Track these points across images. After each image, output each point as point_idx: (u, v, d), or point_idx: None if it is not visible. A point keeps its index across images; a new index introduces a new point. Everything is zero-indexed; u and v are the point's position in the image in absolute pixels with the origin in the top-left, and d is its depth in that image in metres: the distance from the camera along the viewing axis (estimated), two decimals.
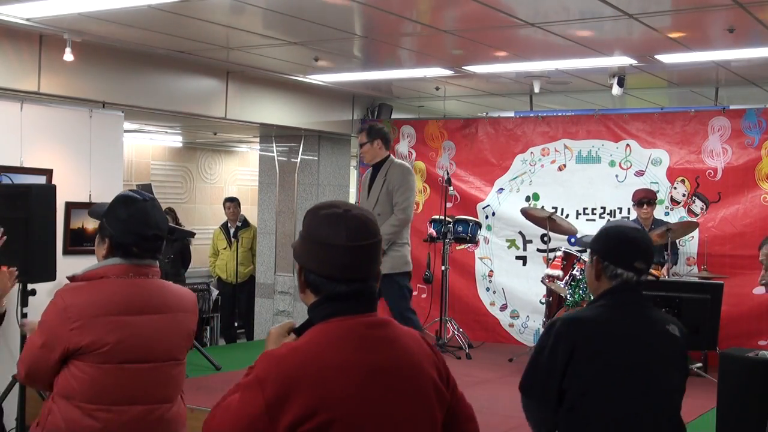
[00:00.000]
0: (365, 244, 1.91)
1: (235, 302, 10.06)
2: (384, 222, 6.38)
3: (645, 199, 7.47)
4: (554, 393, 2.73)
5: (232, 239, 9.95)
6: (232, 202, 10.16)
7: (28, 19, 5.98)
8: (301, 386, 1.80)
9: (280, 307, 9.79)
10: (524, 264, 8.74)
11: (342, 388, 1.82)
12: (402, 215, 6.48)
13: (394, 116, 9.89)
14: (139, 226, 2.77)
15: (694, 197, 7.93)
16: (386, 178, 6.52)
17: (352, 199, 10.18)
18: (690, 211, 7.93)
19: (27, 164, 6.31)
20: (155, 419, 2.73)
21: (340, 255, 1.90)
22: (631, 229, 2.92)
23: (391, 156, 6.71)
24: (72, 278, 2.79)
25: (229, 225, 10.08)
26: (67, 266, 3.71)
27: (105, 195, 6.79)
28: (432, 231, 8.10)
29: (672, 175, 8.04)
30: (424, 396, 1.95)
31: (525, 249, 8.74)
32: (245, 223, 10.07)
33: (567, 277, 7.16)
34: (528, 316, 8.59)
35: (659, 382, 2.75)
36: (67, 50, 6.37)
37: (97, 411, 2.63)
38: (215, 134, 11.47)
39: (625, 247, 2.83)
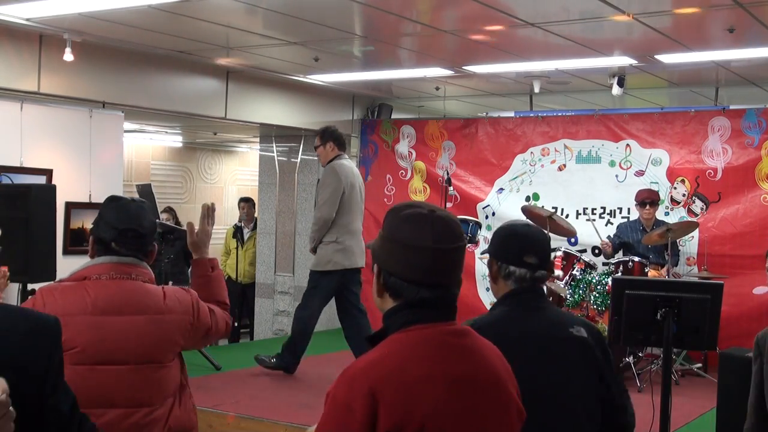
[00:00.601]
0: (452, 248, 1.81)
1: (244, 301, 10.07)
2: None
3: (648, 199, 7.46)
4: None
5: (245, 239, 9.98)
6: (246, 203, 10.18)
7: (28, 19, 5.98)
8: (387, 400, 1.69)
9: (280, 307, 9.79)
10: None
11: (428, 400, 1.72)
12: (318, 214, 6.66)
13: (394, 116, 9.90)
14: (116, 221, 2.76)
15: (694, 197, 7.93)
16: (320, 178, 6.81)
17: None
18: (690, 211, 7.93)
19: (27, 164, 6.31)
20: (134, 423, 2.66)
21: (426, 258, 1.79)
22: (521, 224, 2.79)
23: (341, 156, 6.80)
24: (60, 281, 2.79)
25: (243, 225, 10.10)
26: (67, 266, 3.70)
27: (105, 195, 6.78)
28: None
29: (672, 175, 8.04)
30: (504, 410, 1.86)
31: None
32: (256, 224, 10.09)
33: (567, 277, 7.16)
34: None
35: (565, 391, 2.55)
36: (67, 50, 6.37)
37: None
38: (215, 134, 11.48)
39: (513, 242, 2.69)
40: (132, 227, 2.76)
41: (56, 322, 1.82)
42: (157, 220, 7.23)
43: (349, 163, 6.84)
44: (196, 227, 3.11)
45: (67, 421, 1.82)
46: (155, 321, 2.72)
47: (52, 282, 2.80)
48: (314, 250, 6.68)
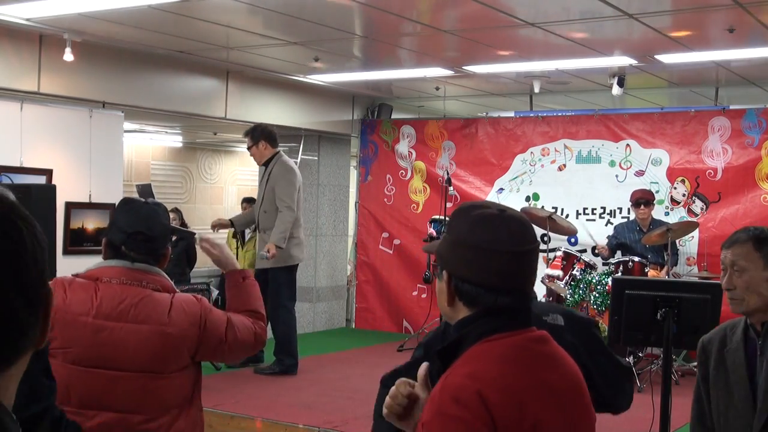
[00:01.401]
0: (529, 249, 1.71)
1: None
2: (270, 218, 6.71)
3: (642, 199, 7.46)
4: None
5: (246, 240, 9.96)
6: (249, 203, 10.17)
7: (28, 19, 5.98)
8: (496, 402, 1.61)
9: None
10: None
11: (537, 408, 1.64)
12: (289, 212, 6.71)
13: (394, 116, 9.89)
14: (126, 224, 2.74)
15: (694, 197, 7.93)
16: (270, 175, 6.77)
17: (352, 199, 10.17)
18: (690, 211, 7.93)
19: (27, 164, 6.31)
20: (126, 429, 2.63)
21: (504, 262, 1.68)
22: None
23: (280, 153, 6.93)
24: (75, 275, 2.76)
25: None
26: (67, 266, 3.71)
27: (105, 195, 6.80)
28: (432, 231, 8.10)
29: (672, 175, 8.04)
30: (588, 414, 1.81)
31: None
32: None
33: (567, 277, 7.16)
34: None
35: None
36: (67, 50, 6.37)
37: (65, 412, 2.57)
38: (215, 134, 11.48)
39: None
40: (141, 230, 2.73)
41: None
42: None
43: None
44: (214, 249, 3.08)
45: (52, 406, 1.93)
46: (157, 332, 2.67)
47: (68, 275, 2.76)
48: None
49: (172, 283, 2.88)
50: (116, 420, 2.62)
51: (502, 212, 1.74)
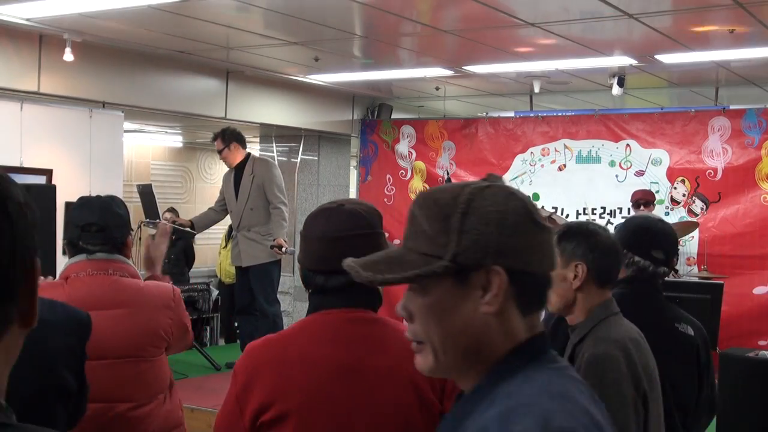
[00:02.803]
0: (342, 236, 1.85)
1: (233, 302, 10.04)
2: (257, 216, 6.72)
3: (642, 200, 7.45)
4: None
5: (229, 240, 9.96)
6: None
7: (28, 19, 5.98)
8: (263, 376, 1.81)
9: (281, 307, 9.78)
10: None
11: (302, 381, 1.79)
12: (285, 207, 6.75)
13: (394, 116, 9.89)
14: (77, 219, 2.79)
15: (694, 197, 7.93)
16: (254, 174, 6.75)
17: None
18: (690, 211, 7.93)
19: (27, 164, 6.31)
20: (112, 417, 2.65)
21: (317, 247, 1.87)
22: (656, 219, 2.92)
23: (251, 153, 6.95)
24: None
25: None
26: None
27: (105, 195, 6.80)
28: None
29: (672, 175, 8.03)
30: (395, 401, 1.82)
31: None
32: None
33: None
34: None
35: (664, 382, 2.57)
36: (67, 50, 6.37)
37: None
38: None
39: (644, 235, 2.76)
40: (92, 221, 2.77)
41: (89, 317, 2.11)
42: (158, 221, 7.23)
43: None
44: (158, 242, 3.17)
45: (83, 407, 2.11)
46: (130, 315, 2.72)
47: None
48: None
49: (137, 270, 2.91)
50: (102, 410, 2.64)
51: (340, 206, 1.89)
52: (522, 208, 1.40)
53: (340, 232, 1.86)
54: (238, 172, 6.84)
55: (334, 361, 1.82)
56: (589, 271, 2.29)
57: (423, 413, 1.83)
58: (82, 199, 2.89)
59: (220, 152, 6.88)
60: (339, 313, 1.87)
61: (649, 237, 2.73)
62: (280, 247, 6.58)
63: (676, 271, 7.06)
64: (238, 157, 6.82)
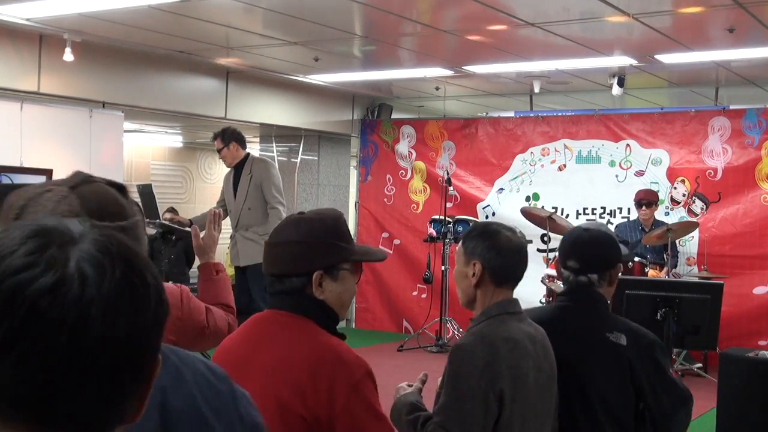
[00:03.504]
0: (277, 242, 2.07)
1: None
2: (254, 215, 6.72)
3: (644, 200, 7.46)
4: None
5: None
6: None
7: (28, 19, 5.98)
8: None
9: None
10: None
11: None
12: (283, 208, 6.76)
13: (394, 116, 9.89)
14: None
15: (694, 197, 7.93)
16: (252, 173, 6.78)
17: (352, 199, 10.17)
18: (690, 211, 7.93)
19: (27, 164, 6.31)
20: None
21: (265, 252, 2.15)
22: (582, 228, 2.88)
23: (250, 153, 6.97)
24: None
25: None
26: None
27: None
28: (432, 231, 8.10)
29: (672, 175, 8.03)
30: (268, 395, 1.88)
31: None
32: None
33: None
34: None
35: (593, 391, 2.63)
36: (67, 50, 6.37)
37: None
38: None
39: (564, 245, 2.83)
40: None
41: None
42: (158, 220, 7.24)
43: None
44: (202, 232, 3.13)
45: None
46: None
47: None
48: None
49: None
50: None
51: (299, 214, 2.07)
52: None
53: (275, 239, 2.05)
54: (237, 172, 6.85)
55: (237, 352, 2.01)
56: (485, 270, 2.38)
57: (281, 416, 1.87)
58: None
59: (219, 151, 6.90)
60: (268, 312, 2.05)
61: (563, 248, 2.79)
62: None
63: (673, 267, 7.06)
64: (237, 156, 6.83)
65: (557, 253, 2.85)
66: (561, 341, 2.54)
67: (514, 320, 2.38)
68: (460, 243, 2.51)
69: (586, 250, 2.75)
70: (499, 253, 2.39)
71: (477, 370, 2.22)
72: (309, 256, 1.99)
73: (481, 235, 2.42)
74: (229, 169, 7.00)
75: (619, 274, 2.81)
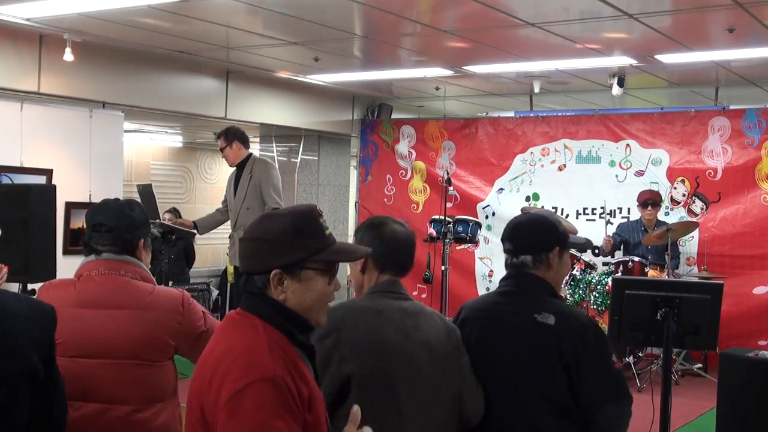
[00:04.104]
0: (242, 238, 2.07)
1: (232, 301, 10.06)
2: (253, 215, 6.64)
3: (650, 200, 7.46)
4: None
5: None
6: None
7: (28, 19, 5.98)
8: None
9: None
10: None
11: None
12: (277, 207, 6.77)
13: (394, 116, 9.89)
14: (90, 219, 2.84)
15: (694, 197, 7.93)
16: (251, 174, 6.77)
17: (352, 199, 10.17)
18: (690, 211, 7.93)
19: (27, 164, 6.31)
20: (112, 419, 2.64)
21: None
22: (522, 214, 3.04)
23: (252, 153, 6.95)
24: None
25: None
26: (67, 266, 3.71)
27: (105, 195, 6.76)
28: (432, 231, 8.10)
29: (672, 175, 8.04)
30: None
31: None
32: None
33: (567, 277, 7.16)
34: None
35: (516, 371, 2.70)
36: (67, 50, 6.37)
37: None
38: (215, 134, 11.47)
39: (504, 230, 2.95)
40: (100, 222, 2.81)
41: (53, 309, 2.11)
42: (158, 220, 7.24)
43: None
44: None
45: (62, 400, 2.14)
46: (136, 316, 2.72)
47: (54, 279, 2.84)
48: None
49: (151, 275, 2.91)
50: (102, 410, 2.63)
51: (274, 210, 2.15)
52: None
53: (245, 235, 2.02)
54: (239, 171, 6.86)
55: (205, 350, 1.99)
56: (369, 257, 2.55)
57: (189, 411, 1.94)
58: (100, 203, 2.95)
59: (221, 150, 6.90)
60: (232, 311, 2.03)
61: (503, 231, 2.92)
62: None
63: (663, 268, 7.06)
64: (239, 156, 6.82)
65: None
66: (489, 325, 2.73)
67: (387, 297, 2.53)
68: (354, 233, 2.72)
69: (518, 233, 2.86)
70: (381, 243, 2.55)
71: (322, 332, 2.33)
72: (267, 253, 1.93)
73: (369, 226, 2.62)
74: (232, 169, 7.01)
75: (562, 258, 2.84)
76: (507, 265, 2.86)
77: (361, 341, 2.41)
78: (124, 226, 2.82)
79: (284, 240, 1.92)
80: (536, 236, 2.84)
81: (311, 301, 1.94)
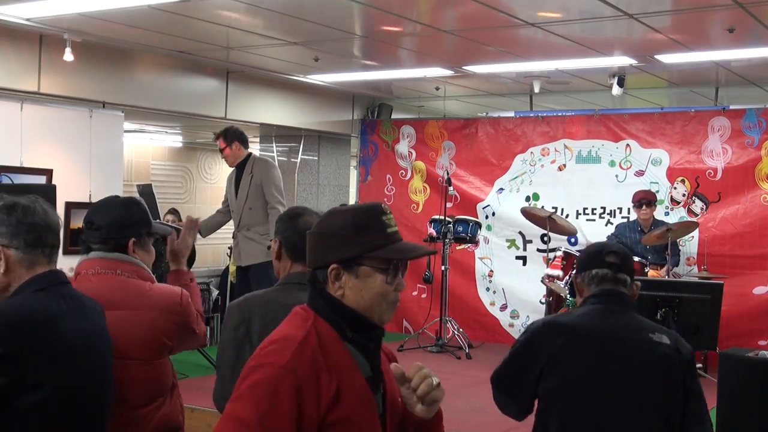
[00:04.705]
0: None
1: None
2: (255, 215, 6.73)
3: (644, 200, 7.47)
4: (524, 390, 2.79)
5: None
6: None
7: (28, 19, 5.98)
8: None
9: None
10: (524, 264, 8.73)
11: None
12: (282, 208, 6.75)
13: (394, 116, 9.89)
14: (85, 216, 2.87)
15: (694, 197, 7.93)
16: (252, 173, 6.78)
17: (352, 199, 10.17)
18: (690, 211, 7.93)
19: (27, 164, 6.31)
20: (112, 416, 2.59)
21: None
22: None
23: (252, 153, 6.98)
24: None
25: None
26: (68, 266, 3.70)
27: (105, 195, 6.76)
28: (432, 231, 8.10)
29: (672, 175, 8.04)
30: None
31: (525, 249, 8.74)
32: None
33: (567, 277, 7.15)
34: (528, 316, 8.58)
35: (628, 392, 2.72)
36: (67, 50, 6.37)
37: None
38: (214, 134, 11.46)
39: (591, 248, 2.99)
40: (90, 219, 2.83)
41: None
42: (158, 221, 7.24)
43: None
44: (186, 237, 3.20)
45: None
46: (133, 317, 2.71)
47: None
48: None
49: (151, 273, 2.90)
50: None
51: (341, 206, 2.13)
52: None
53: (310, 230, 2.05)
54: (239, 171, 6.86)
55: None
56: (283, 246, 2.72)
57: None
58: (100, 201, 2.96)
59: (221, 151, 6.91)
60: (298, 306, 2.05)
61: (597, 247, 3.04)
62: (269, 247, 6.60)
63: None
64: (239, 156, 6.83)
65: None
66: (608, 345, 2.74)
67: (295, 289, 2.63)
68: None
69: (624, 251, 2.96)
70: (295, 233, 2.67)
71: (234, 322, 2.63)
72: (325, 248, 1.94)
73: (286, 217, 2.77)
74: (232, 169, 7.00)
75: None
76: (603, 280, 2.87)
77: (266, 334, 2.45)
78: (114, 225, 2.82)
79: (342, 235, 1.92)
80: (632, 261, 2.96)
81: (369, 299, 1.93)
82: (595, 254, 2.86)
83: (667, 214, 7.95)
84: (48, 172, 6.38)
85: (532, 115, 9.00)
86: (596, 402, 2.64)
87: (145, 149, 12.15)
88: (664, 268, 7.16)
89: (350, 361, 1.92)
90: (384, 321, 2.00)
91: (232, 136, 6.81)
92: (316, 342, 1.88)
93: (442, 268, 8.13)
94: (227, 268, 10.19)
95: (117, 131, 7.20)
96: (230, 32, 6.47)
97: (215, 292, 10.48)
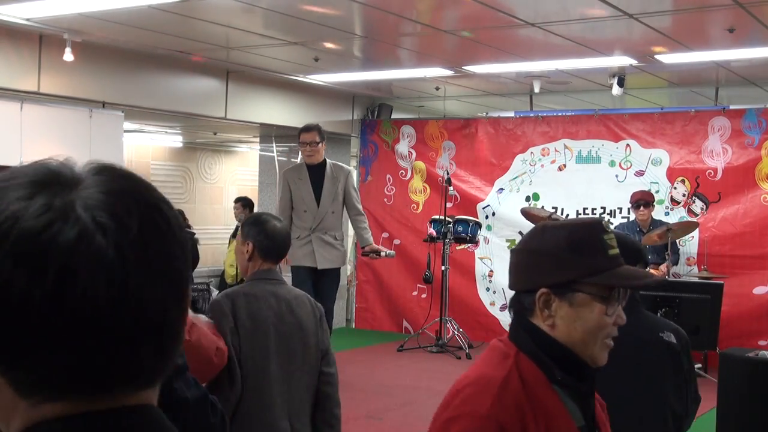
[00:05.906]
0: None
1: None
2: (337, 219, 6.79)
3: (642, 200, 7.47)
4: None
5: (232, 239, 9.99)
6: (237, 203, 10.21)
7: (28, 19, 5.98)
8: None
9: None
10: None
11: None
12: (364, 213, 7.05)
13: (394, 116, 9.89)
14: None
15: (694, 197, 7.93)
16: (337, 177, 6.73)
17: None
18: (690, 211, 7.93)
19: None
20: None
21: None
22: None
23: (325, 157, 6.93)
24: None
25: (238, 224, 10.12)
26: None
27: None
28: (432, 231, 8.10)
29: (672, 175, 8.04)
30: None
31: None
32: None
33: None
34: None
35: (647, 393, 2.73)
36: (67, 50, 6.37)
37: None
38: (215, 134, 11.47)
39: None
40: None
41: None
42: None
43: None
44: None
45: None
46: None
47: None
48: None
49: None
50: None
51: (553, 220, 2.08)
52: None
53: (517, 246, 1.90)
54: (314, 172, 6.70)
55: None
56: (255, 248, 3.08)
57: None
58: None
59: (309, 144, 6.60)
60: (496, 339, 1.91)
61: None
62: (378, 252, 7.02)
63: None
64: (322, 155, 6.72)
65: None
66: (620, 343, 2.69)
67: (263, 283, 3.06)
68: (240, 227, 3.25)
69: (633, 245, 2.91)
70: (266, 236, 3.08)
71: (223, 314, 2.95)
72: (534, 269, 1.68)
73: (253, 222, 3.13)
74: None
75: None
76: None
77: (246, 323, 2.96)
78: None
79: (555, 255, 1.65)
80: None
81: (583, 332, 1.64)
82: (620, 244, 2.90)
83: (667, 214, 7.95)
84: None
85: (532, 115, 9.00)
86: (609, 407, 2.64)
87: (145, 149, 12.16)
88: (664, 264, 7.16)
89: (560, 407, 1.64)
90: (597, 361, 1.68)
91: (323, 135, 6.70)
92: (519, 384, 1.61)
93: (442, 268, 8.13)
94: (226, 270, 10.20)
95: (117, 131, 7.20)
96: (230, 32, 6.47)
97: (215, 292, 10.49)
